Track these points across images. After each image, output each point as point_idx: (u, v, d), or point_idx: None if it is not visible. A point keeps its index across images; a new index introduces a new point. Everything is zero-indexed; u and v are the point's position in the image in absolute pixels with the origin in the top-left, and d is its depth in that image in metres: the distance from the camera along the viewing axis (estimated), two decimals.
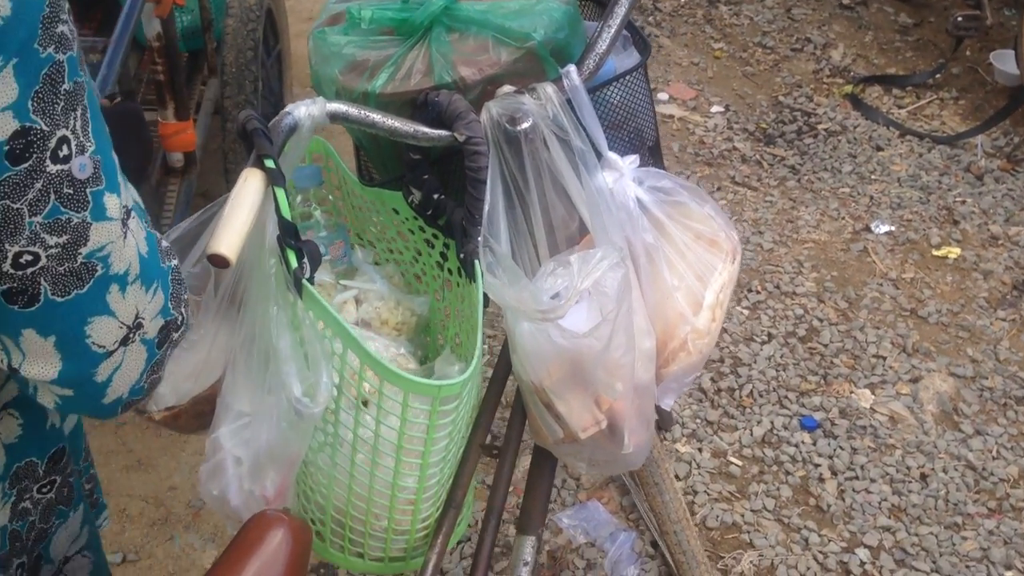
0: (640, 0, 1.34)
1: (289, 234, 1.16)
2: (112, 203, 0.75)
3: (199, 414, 1.31)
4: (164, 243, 0.88)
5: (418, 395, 1.13)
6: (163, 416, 1.29)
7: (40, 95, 0.68)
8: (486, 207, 1.22)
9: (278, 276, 1.21)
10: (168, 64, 2.45)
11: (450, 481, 1.33)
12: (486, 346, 2.66)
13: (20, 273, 0.72)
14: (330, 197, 1.54)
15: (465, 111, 1.25)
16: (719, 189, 3.50)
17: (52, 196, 0.71)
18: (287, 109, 1.24)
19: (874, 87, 4.09)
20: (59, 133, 0.70)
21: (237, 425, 1.26)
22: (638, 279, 1.33)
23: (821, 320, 2.99)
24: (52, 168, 0.70)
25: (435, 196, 1.36)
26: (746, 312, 3.01)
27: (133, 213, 0.79)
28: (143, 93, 2.65)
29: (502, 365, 1.36)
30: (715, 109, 3.92)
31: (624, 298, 1.13)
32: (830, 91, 4.08)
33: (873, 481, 2.54)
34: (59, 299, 0.74)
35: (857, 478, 2.55)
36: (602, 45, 1.30)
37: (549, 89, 1.27)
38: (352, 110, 1.25)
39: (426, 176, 1.35)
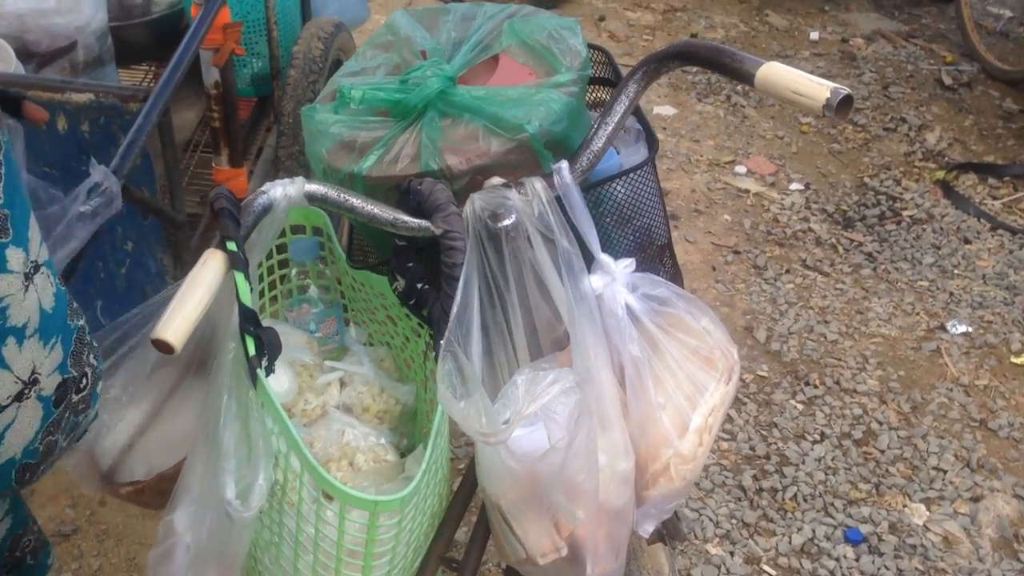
0: (638, 100, 1.24)
1: (249, 321, 1.11)
2: (15, 257, 0.75)
3: (163, 491, 1.27)
4: (75, 304, 0.86)
5: (355, 508, 1.06)
6: (127, 491, 1.25)
7: None
8: (455, 307, 1.15)
9: (236, 361, 1.16)
10: (224, 112, 2.46)
11: None
12: (460, 450, 2.58)
13: None
14: (327, 272, 1.49)
15: (445, 203, 1.18)
16: (788, 272, 3.35)
17: None
18: (263, 188, 1.20)
19: (968, 175, 3.89)
20: None
21: (191, 510, 1.21)
22: (623, 393, 1.24)
23: (881, 423, 2.81)
24: None
25: (419, 285, 1.30)
26: (800, 407, 2.85)
27: (45, 269, 0.78)
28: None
29: (471, 475, 1.28)
30: (794, 186, 3.78)
31: (581, 424, 1.04)
32: (920, 176, 3.89)
33: None
34: None
35: None
36: (598, 143, 1.22)
37: (538, 185, 1.20)
38: (331, 193, 1.20)
39: (411, 264, 1.29)
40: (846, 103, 1.02)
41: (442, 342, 1.12)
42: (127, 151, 1.81)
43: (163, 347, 1.03)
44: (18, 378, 0.77)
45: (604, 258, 1.24)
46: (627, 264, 1.26)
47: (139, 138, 1.87)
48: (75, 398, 0.84)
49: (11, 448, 0.79)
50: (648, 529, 1.27)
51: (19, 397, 0.78)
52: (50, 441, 0.82)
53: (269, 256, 1.49)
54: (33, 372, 0.79)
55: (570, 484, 1.10)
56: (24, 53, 2.36)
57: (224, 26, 2.31)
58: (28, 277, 0.77)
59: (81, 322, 0.85)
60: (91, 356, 0.86)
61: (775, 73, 1.05)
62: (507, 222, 1.19)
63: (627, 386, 1.24)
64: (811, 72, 1.07)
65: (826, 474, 2.66)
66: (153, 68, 2.89)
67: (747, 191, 3.73)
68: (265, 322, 1.49)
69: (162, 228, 2.15)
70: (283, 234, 1.49)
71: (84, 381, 0.85)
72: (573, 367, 1.17)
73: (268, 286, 1.49)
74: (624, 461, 1.20)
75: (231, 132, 2.51)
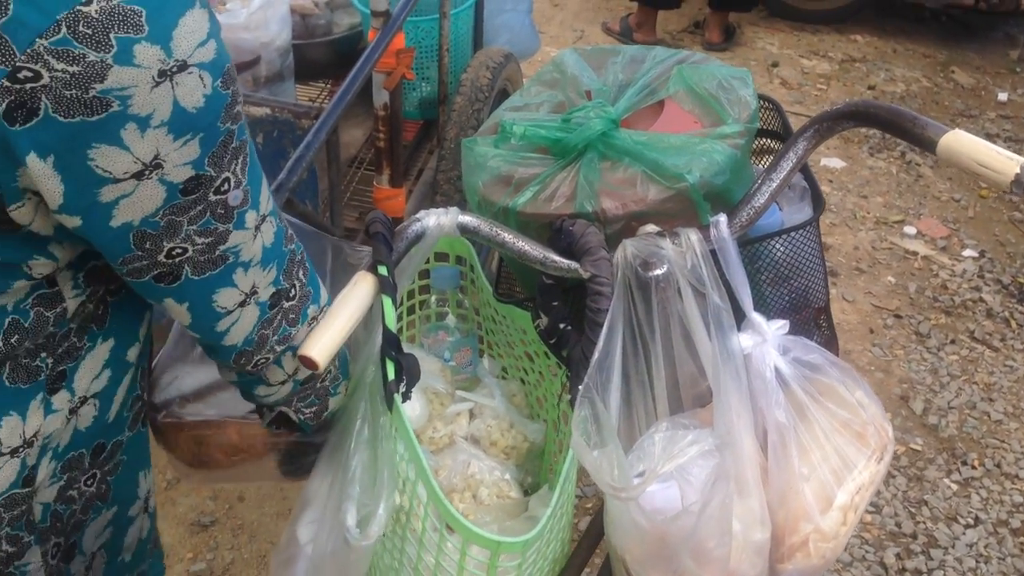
0: (807, 158, 1.19)
1: (391, 345, 1.12)
2: (251, 217, 0.95)
3: (199, 441, 1.30)
4: (291, 231, 1.04)
5: (477, 545, 1.05)
6: (165, 421, 1.28)
7: (215, 154, 0.88)
8: (596, 353, 1.12)
9: (374, 386, 1.17)
10: (389, 133, 2.52)
11: None
12: (589, 488, 2.52)
13: (170, 262, 0.92)
14: (467, 302, 1.49)
15: (596, 247, 1.16)
16: (953, 342, 3.17)
17: (208, 213, 0.91)
18: (418, 215, 1.21)
19: None
20: (223, 175, 0.90)
21: (313, 525, 1.23)
22: (764, 459, 1.18)
23: None
24: (213, 197, 0.90)
25: (561, 325, 1.28)
26: (954, 487, 2.68)
27: (269, 218, 0.98)
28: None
29: (597, 523, 1.24)
30: (967, 253, 3.58)
31: (717, 489, 0.99)
32: None
33: None
34: (196, 278, 0.94)
35: None
36: (760, 199, 1.17)
37: (693, 236, 1.16)
38: (484, 226, 1.20)
39: (556, 303, 1.28)
40: None
41: (580, 388, 1.10)
42: (295, 165, 1.87)
43: (308, 363, 1.05)
44: (242, 292, 0.98)
45: (756, 317, 1.19)
46: (780, 325, 1.20)
47: (307, 154, 1.93)
48: (287, 305, 1.03)
49: (234, 338, 1.01)
50: None
51: (242, 304, 0.99)
52: (263, 335, 1.02)
53: (411, 281, 1.50)
54: (254, 287, 0.99)
55: (700, 549, 1.05)
56: None
57: (398, 51, 2.36)
58: (257, 228, 0.96)
59: (293, 246, 1.03)
60: (300, 272, 1.04)
61: (960, 142, 0.98)
62: (658, 272, 1.15)
63: (769, 453, 1.18)
64: (996, 135, 1.01)
65: (977, 561, 2.48)
66: (329, 85, 3.00)
67: (915, 253, 3.55)
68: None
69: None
70: (426, 261, 1.50)
71: (293, 292, 1.03)
72: (714, 427, 1.13)
73: (407, 310, 1.50)
74: (760, 531, 1.14)
75: (394, 153, 2.57)
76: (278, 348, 1.05)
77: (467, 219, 1.20)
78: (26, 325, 0.94)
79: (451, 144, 2.71)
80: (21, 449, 0.97)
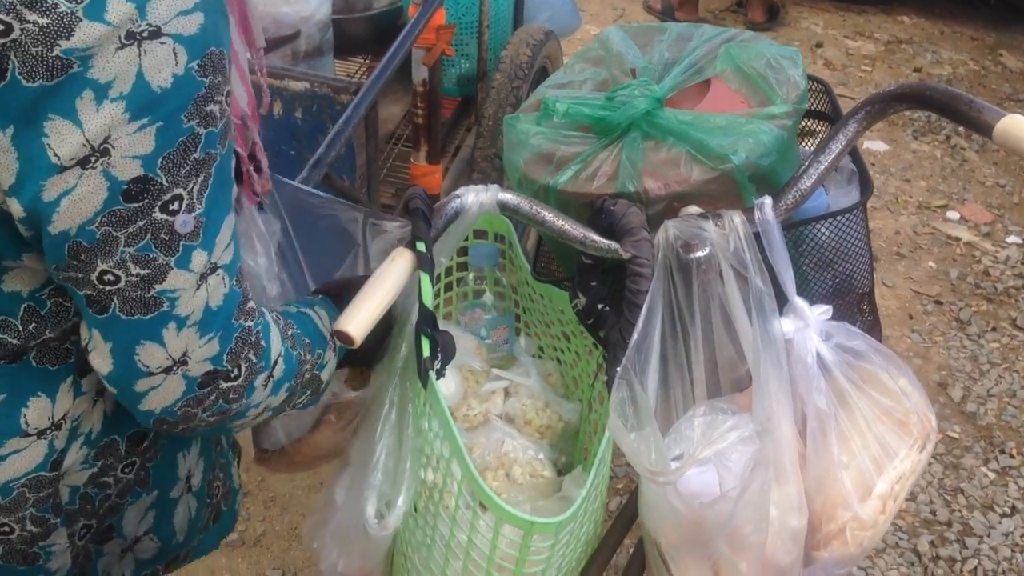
0: (856, 141, 1.17)
1: (428, 322, 1.12)
2: (199, 259, 0.84)
3: (290, 463, 1.30)
4: (251, 304, 0.93)
5: (510, 525, 1.04)
6: (259, 456, 1.29)
7: (170, 156, 0.79)
8: (635, 335, 1.11)
9: (405, 369, 1.17)
10: (428, 109, 2.51)
11: None
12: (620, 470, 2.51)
13: (101, 287, 0.83)
14: (504, 280, 1.49)
15: (637, 227, 1.15)
16: (994, 330, 3.11)
17: (148, 236, 0.81)
18: (458, 192, 1.20)
19: None
20: (175, 191, 0.81)
21: (349, 487, 1.23)
22: (802, 446, 1.17)
23: None
24: (158, 215, 0.81)
25: (600, 306, 1.27)
26: (991, 475, 2.64)
27: (221, 271, 0.87)
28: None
29: (631, 505, 1.24)
30: (1012, 239, 3.51)
31: (756, 476, 0.98)
32: None
33: None
34: (123, 317, 0.85)
35: None
36: (807, 181, 1.15)
37: (736, 219, 1.14)
38: (524, 204, 1.19)
39: (594, 283, 1.26)
40: None
41: (618, 369, 1.09)
42: (333, 140, 1.87)
43: (344, 338, 1.05)
44: (170, 355, 0.87)
45: (798, 302, 1.17)
46: (823, 311, 1.18)
47: (346, 129, 1.93)
48: (224, 386, 0.91)
49: (151, 404, 0.90)
50: None
51: (167, 371, 0.88)
52: (189, 411, 0.91)
53: (449, 258, 1.50)
54: (184, 356, 0.88)
55: (736, 535, 1.05)
56: None
57: (438, 27, 2.35)
58: (203, 277, 0.85)
59: (248, 323, 0.92)
60: (251, 353, 0.93)
61: (1018, 127, 0.96)
62: (700, 254, 1.14)
63: (808, 439, 1.17)
64: None
65: (1012, 551, 2.45)
66: (368, 61, 2.99)
67: (957, 239, 3.49)
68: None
69: None
70: (465, 238, 1.50)
71: (236, 373, 0.91)
72: (753, 412, 1.11)
73: (445, 287, 1.50)
74: (796, 518, 1.13)
75: (432, 130, 2.56)
76: (212, 419, 0.94)
77: (507, 197, 1.18)
78: (43, 313, 0.91)
79: (489, 121, 2.70)
80: (48, 431, 0.95)
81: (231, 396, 0.93)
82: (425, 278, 1.11)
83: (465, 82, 2.93)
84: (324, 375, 1.09)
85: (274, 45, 2.68)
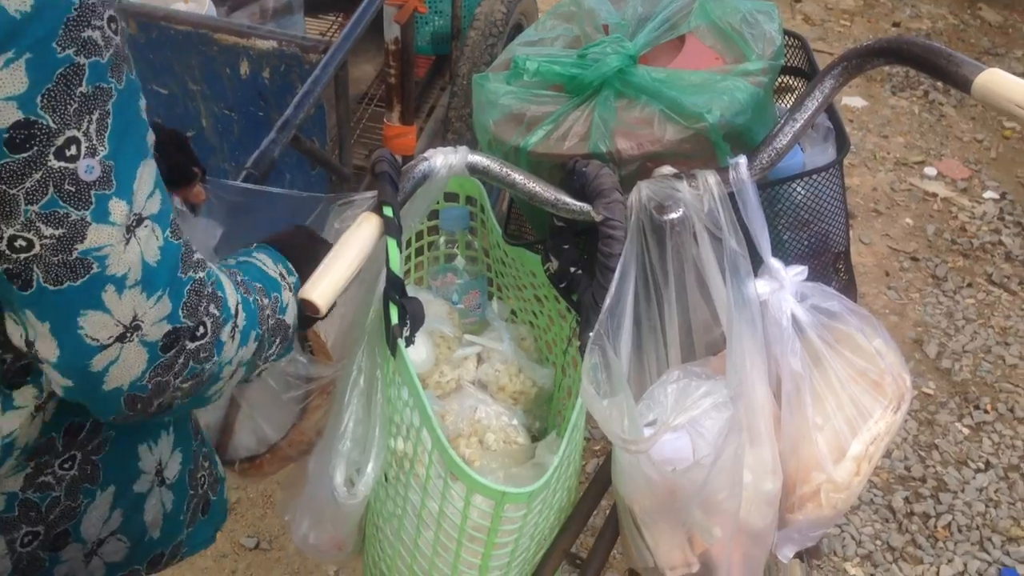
0: (833, 97, 1.15)
1: (395, 288, 1.09)
2: (118, 209, 0.77)
3: (285, 457, 1.27)
4: (197, 255, 0.86)
5: (481, 495, 1.03)
6: (243, 467, 1.25)
7: (51, 93, 0.71)
8: (608, 299, 1.09)
9: (373, 334, 1.14)
10: (400, 68, 2.46)
11: None
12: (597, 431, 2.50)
13: (15, 256, 0.75)
14: (476, 244, 1.46)
15: (609, 188, 1.12)
16: (970, 285, 3.12)
17: (51, 189, 0.73)
18: (425, 155, 1.17)
19: None
20: (68, 133, 0.73)
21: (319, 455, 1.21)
22: (777, 408, 1.15)
23: None
24: (55, 163, 0.73)
25: (572, 269, 1.24)
26: (965, 431, 2.66)
27: (150, 222, 0.80)
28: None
29: (604, 472, 1.22)
30: (988, 195, 3.51)
31: (730, 441, 0.97)
32: None
33: None
34: (51, 287, 0.77)
35: None
36: (782, 140, 1.13)
37: (711, 179, 1.12)
38: (494, 165, 1.16)
39: (567, 246, 1.24)
40: None
41: (591, 334, 1.07)
42: (302, 101, 1.83)
43: (309, 307, 1.02)
44: (118, 322, 0.80)
45: (774, 263, 1.15)
46: (798, 271, 1.17)
47: (314, 89, 1.88)
48: (191, 346, 0.85)
49: (116, 380, 0.82)
50: (788, 554, 1.19)
51: (121, 339, 0.80)
52: (160, 381, 0.84)
53: (419, 222, 1.47)
54: (135, 320, 0.81)
55: (710, 501, 1.03)
56: None
57: None
58: (130, 230, 0.78)
59: (199, 275, 0.85)
60: (212, 306, 0.86)
61: (997, 82, 0.93)
62: (673, 215, 1.12)
63: (783, 401, 1.15)
64: (1022, 75, 0.95)
65: (987, 506, 2.47)
66: (340, 18, 2.93)
67: (934, 195, 3.49)
68: (408, 288, 1.48)
69: (328, 179, 2.18)
70: (436, 201, 1.47)
71: (202, 331, 0.86)
72: (727, 375, 1.10)
73: (416, 251, 1.47)
74: (771, 481, 1.12)
75: (405, 89, 2.51)
76: (187, 387, 0.87)
77: (476, 159, 1.15)
78: None
79: (463, 80, 2.65)
80: None
81: (201, 355, 0.87)
82: (392, 244, 1.08)
83: (439, 40, 2.88)
84: (288, 318, 1.04)
85: (242, 2, 2.61)
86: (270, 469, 1.25)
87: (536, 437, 1.44)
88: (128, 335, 0.80)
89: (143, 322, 0.81)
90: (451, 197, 1.49)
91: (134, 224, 0.78)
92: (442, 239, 1.45)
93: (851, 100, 3.94)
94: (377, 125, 2.73)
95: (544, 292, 1.35)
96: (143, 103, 0.80)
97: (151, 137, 0.81)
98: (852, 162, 3.61)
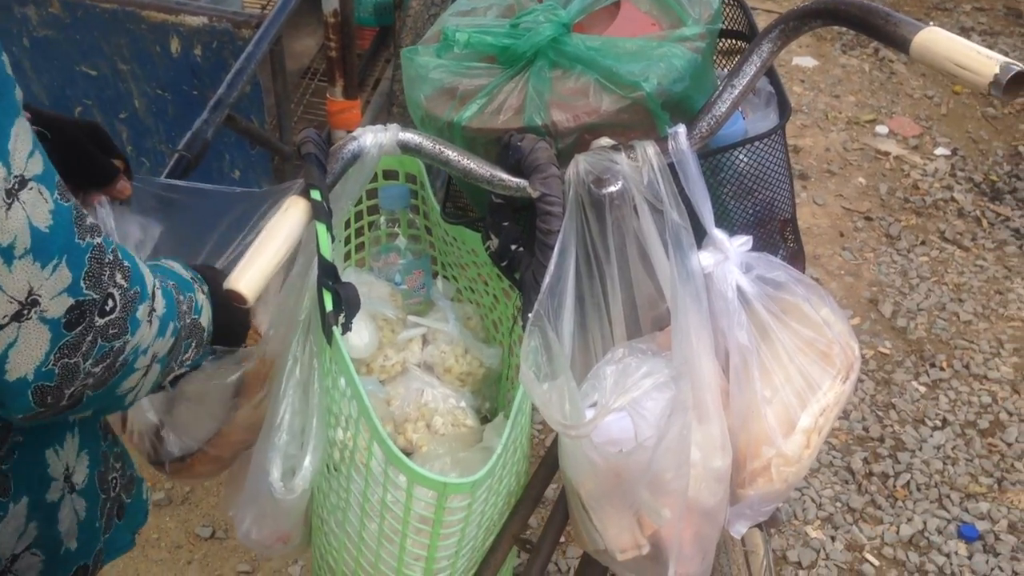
0: (772, 61, 1.12)
1: (328, 275, 1.05)
2: None
3: (215, 459, 1.22)
4: (90, 220, 0.80)
5: (423, 487, 0.99)
6: (174, 467, 1.21)
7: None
8: (547, 277, 1.05)
9: (307, 321, 1.10)
10: (340, 41, 2.39)
11: (472, 571, 1.18)
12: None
13: None
14: (418, 222, 1.42)
15: (545, 163, 1.08)
16: (923, 243, 3.13)
17: None
18: (354, 133, 1.12)
19: None
20: None
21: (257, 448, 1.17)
22: (725, 382, 1.13)
23: (1011, 414, 2.61)
24: None
25: (513, 247, 1.20)
26: (922, 389, 2.67)
27: (33, 184, 0.73)
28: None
29: (552, 455, 1.20)
30: (940, 151, 3.52)
31: (674, 422, 0.94)
32: None
33: None
34: None
35: None
36: (721, 107, 1.09)
37: (650, 150, 1.08)
38: (426, 143, 1.12)
39: (506, 223, 1.20)
40: (1017, 81, 0.88)
41: (530, 315, 1.04)
42: (235, 79, 1.77)
43: (236, 298, 0.97)
44: (12, 298, 0.73)
45: (717, 234, 1.12)
46: (743, 242, 1.14)
47: (248, 66, 1.82)
48: (100, 321, 0.79)
49: (19, 368, 0.76)
50: (741, 530, 1.17)
51: (17, 317, 0.74)
52: (67, 364, 0.78)
53: (359, 201, 1.42)
54: (31, 293, 0.74)
55: (657, 482, 1.01)
56: None
57: None
58: (11, 193, 0.71)
59: (97, 240, 0.79)
60: (118, 275, 0.80)
61: (935, 40, 0.90)
62: (612, 188, 1.08)
63: (731, 376, 1.13)
64: (971, 29, 0.94)
65: (944, 464, 2.49)
66: None
67: (887, 153, 3.49)
68: (350, 270, 1.44)
69: (270, 158, 2.12)
70: (375, 179, 1.42)
71: (111, 304, 0.79)
72: (672, 351, 1.07)
73: (355, 232, 1.42)
74: (720, 458, 1.10)
75: (347, 63, 2.44)
76: (98, 371, 0.81)
77: (408, 137, 1.11)
78: None
79: None
80: None
81: (111, 332, 0.80)
82: (322, 228, 1.04)
83: (382, 11, 2.82)
84: (203, 320, 1.00)
85: None
86: (201, 470, 1.20)
87: (487, 418, 1.41)
88: (25, 312, 0.74)
89: (41, 296, 0.74)
90: (390, 175, 1.45)
91: (15, 187, 0.71)
92: (383, 219, 1.40)
93: (802, 60, 3.92)
94: (322, 100, 2.66)
95: (487, 271, 1.31)
96: (6, 58, 0.73)
97: (19, 94, 0.74)
98: (804, 123, 3.60)
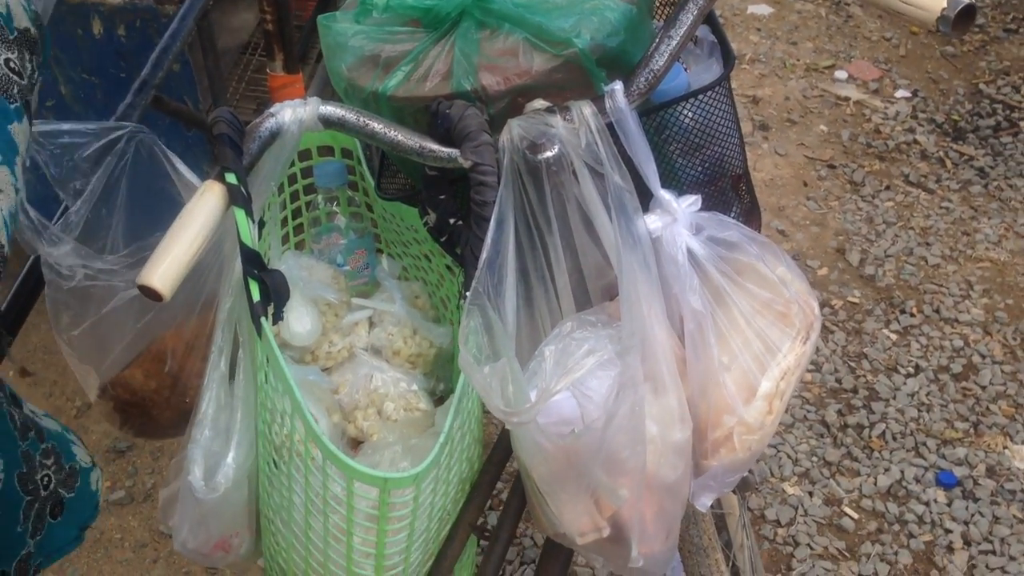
0: (710, 7, 1.06)
1: (252, 263, 0.98)
2: None
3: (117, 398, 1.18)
4: None
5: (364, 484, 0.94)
6: (101, 405, 1.15)
7: None
8: (484, 252, 0.99)
9: (233, 312, 1.04)
10: (276, 13, 2.29)
11: (429, 563, 1.13)
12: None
13: None
14: (357, 199, 1.35)
15: (476, 130, 1.02)
16: (888, 188, 3.09)
17: None
18: (271, 110, 1.05)
19: None
20: None
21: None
22: (681, 350, 1.07)
23: (984, 356, 2.58)
24: None
25: (451, 221, 1.14)
26: (893, 337, 2.64)
27: None
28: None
29: (505, 438, 1.14)
30: (900, 94, 3.47)
31: (623, 399, 0.89)
32: None
33: (1013, 559, 2.16)
34: None
35: (994, 552, 2.18)
36: (659, 60, 1.03)
37: (586, 110, 1.02)
38: (349, 116, 1.05)
39: (443, 196, 1.14)
40: (966, 16, 0.82)
41: (468, 294, 0.97)
42: (159, 58, 1.68)
43: (150, 294, 0.91)
44: None
45: (664, 195, 1.06)
46: (691, 202, 1.08)
47: (173, 44, 1.73)
48: None
49: None
50: (706, 503, 1.12)
51: None
52: None
53: (294, 180, 1.35)
54: None
55: (612, 461, 0.95)
56: None
57: None
58: None
59: None
60: None
61: None
62: (549, 154, 1.01)
63: (687, 344, 1.07)
64: None
65: (919, 411, 2.46)
66: None
67: (847, 99, 3.44)
68: (288, 254, 1.37)
69: (207, 140, 2.04)
70: (309, 156, 1.35)
71: None
72: (622, 322, 1.01)
73: (292, 214, 1.35)
74: (679, 430, 1.04)
75: (285, 35, 2.35)
76: None
77: (329, 110, 1.04)
78: None
79: None
80: None
81: None
82: (240, 213, 0.97)
83: None
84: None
85: None
86: (127, 397, 1.16)
87: (443, 398, 1.35)
88: None
89: None
90: (326, 151, 1.38)
91: None
92: (320, 197, 1.33)
93: (757, 8, 3.85)
94: (265, 76, 2.57)
95: (429, 247, 1.25)
96: None
97: None
98: (762, 72, 3.54)
